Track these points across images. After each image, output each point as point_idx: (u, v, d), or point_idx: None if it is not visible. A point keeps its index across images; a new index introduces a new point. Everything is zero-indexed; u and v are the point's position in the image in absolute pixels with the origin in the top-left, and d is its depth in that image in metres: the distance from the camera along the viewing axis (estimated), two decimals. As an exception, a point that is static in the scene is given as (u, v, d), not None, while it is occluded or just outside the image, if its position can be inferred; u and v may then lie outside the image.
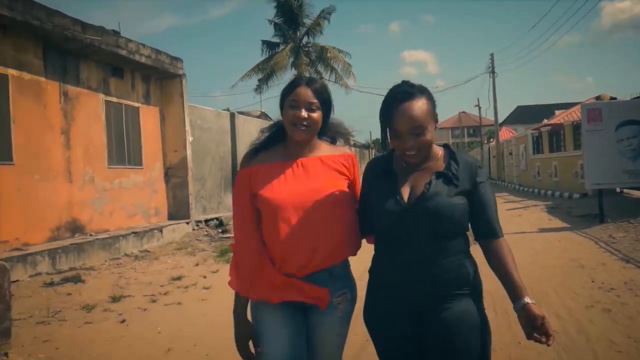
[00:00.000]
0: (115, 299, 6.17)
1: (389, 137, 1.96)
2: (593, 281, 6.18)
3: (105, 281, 7.26)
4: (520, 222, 12.28)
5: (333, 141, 2.26)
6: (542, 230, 10.75)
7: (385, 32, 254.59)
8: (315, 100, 2.06)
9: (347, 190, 2.14)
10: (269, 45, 27.45)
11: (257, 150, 2.17)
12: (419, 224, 1.92)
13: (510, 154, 29.67)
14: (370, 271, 2.11)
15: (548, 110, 45.95)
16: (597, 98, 15.54)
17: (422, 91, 1.93)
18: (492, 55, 33.50)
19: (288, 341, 2.04)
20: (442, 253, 1.92)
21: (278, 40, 27.73)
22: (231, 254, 2.21)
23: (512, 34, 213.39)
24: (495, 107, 33.76)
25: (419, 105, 1.89)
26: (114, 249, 9.07)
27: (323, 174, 2.13)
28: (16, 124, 7.87)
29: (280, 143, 2.16)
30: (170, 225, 11.12)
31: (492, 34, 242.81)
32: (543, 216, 13.22)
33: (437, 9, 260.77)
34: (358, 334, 2.75)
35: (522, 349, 4.01)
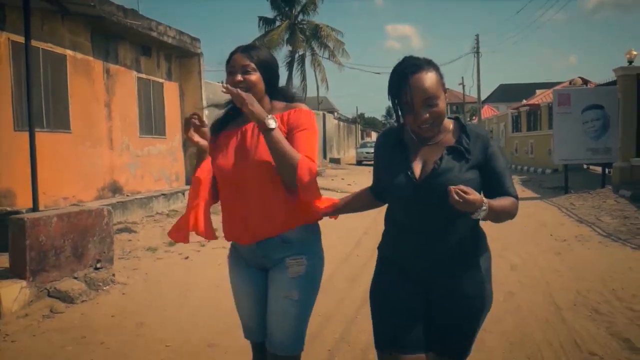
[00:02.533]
0: (171, 244, 7.64)
1: (401, 112, 1.94)
2: (551, 235, 7.83)
3: (153, 232, 8.71)
4: (497, 192, 13.94)
5: (288, 101, 2.22)
6: (516, 199, 12.42)
7: (369, 5, 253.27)
8: (249, 62, 2.10)
9: None
10: (265, 21, 28.56)
11: (218, 122, 2.27)
12: (430, 201, 1.90)
13: (491, 131, 31.39)
14: (380, 247, 2.16)
15: (529, 89, 47.00)
16: (571, 82, 17.15)
17: (429, 62, 1.93)
18: (477, 36, 35.03)
19: (252, 305, 2.24)
20: (451, 229, 1.93)
21: (274, 17, 28.87)
22: None
23: (497, 11, 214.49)
24: (478, 87, 35.45)
25: (430, 75, 1.87)
26: (148, 208, 10.49)
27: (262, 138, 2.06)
28: (72, 98, 9.17)
29: (241, 114, 2.13)
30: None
31: (476, 9, 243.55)
32: (517, 188, 14.87)
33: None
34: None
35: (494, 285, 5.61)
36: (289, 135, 2.07)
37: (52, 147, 8.62)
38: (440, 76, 1.93)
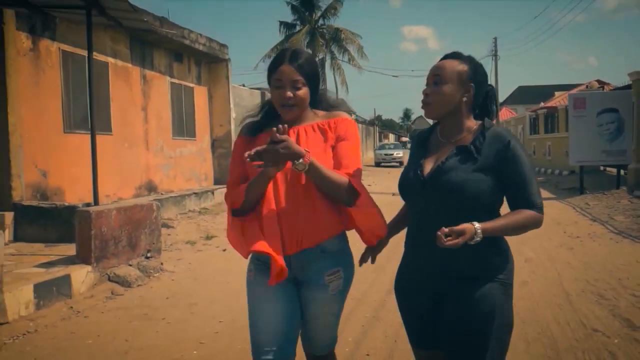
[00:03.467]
0: (208, 237, 8.24)
1: None
2: (565, 232, 8.27)
3: (189, 228, 9.32)
4: (514, 193, 14.38)
5: (329, 109, 2.18)
6: (532, 199, 12.84)
7: (385, 7, 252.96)
8: (299, 78, 2.01)
9: None
10: (286, 25, 29.22)
11: (255, 124, 2.16)
12: (433, 199, 1.92)
13: (509, 133, 31.58)
14: (405, 240, 2.13)
15: (548, 91, 46.75)
16: (587, 86, 17.48)
17: (466, 58, 2.00)
18: (495, 39, 35.29)
19: (278, 317, 2.02)
20: None
21: (294, 22, 29.51)
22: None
23: (515, 13, 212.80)
24: (496, 90, 35.57)
25: (452, 62, 1.96)
26: (181, 206, 11.11)
27: (314, 143, 2.04)
28: (113, 102, 9.82)
29: (276, 118, 2.09)
30: (219, 188, 13.16)
31: (494, 11, 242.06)
32: (534, 189, 15.29)
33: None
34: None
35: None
36: (335, 145, 2.07)
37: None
38: (469, 71, 1.96)
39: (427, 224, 1.92)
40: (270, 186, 1.99)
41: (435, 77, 1.94)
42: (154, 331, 4.28)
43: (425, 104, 1.98)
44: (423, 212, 1.96)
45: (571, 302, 4.74)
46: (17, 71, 7.34)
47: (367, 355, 3.72)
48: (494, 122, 2.04)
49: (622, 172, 13.11)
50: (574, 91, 17.71)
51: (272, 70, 2.04)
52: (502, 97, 47.72)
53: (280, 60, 2.04)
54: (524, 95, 60.89)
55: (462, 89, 1.94)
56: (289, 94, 2.00)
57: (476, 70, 1.97)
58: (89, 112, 9.10)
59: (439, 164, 1.94)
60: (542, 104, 26.82)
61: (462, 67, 1.95)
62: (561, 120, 20.68)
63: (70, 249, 6.01)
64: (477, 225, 1.77)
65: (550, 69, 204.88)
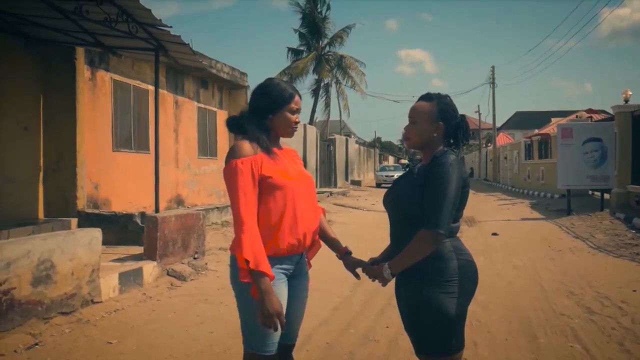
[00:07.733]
0: (238, 245, 9.39)
1: None
2: (549, 246, 9.45)
3: (217, 237, 10.47)
4: (508, 213, 15.60)
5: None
6: (524, 219, 14.07)
7: (381, 30, 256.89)
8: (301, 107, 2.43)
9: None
10: (294, 52, 30.66)
11: (264, 142, 2.33)
12: (389, 209, 2.36)
13: (505, 158, 32.95)
14: None
15: (545, 117, 47.35)
16: (577, 116, 18.82)
17: (432, 98, 2.31)
18: (492, 67, 36.83)
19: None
20: (403, 236, 2.21)
21: (302, 48, 30.97)
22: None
23: (512, 40, 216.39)
24: (493, 116, 37.10)
25: (422, 104, 2.30)
26: (206, 218, 12.27)
27: (298, 161, 2.50)
28: (151, 125, 11.05)
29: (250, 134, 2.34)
30: (237, 204, 14.36)
31: (491, 32, 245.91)
32: (526, 210, 16.52)
33: (436, 7, 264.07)
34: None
35: (498, 278, 7.26)
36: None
37: (137, 165, 10.50)
38: (436, 110, 2.28)
39: (391, 229, 2.39)
40: (300, 187, 2.35)
41: (411, 118, 2.32)
42: (218, 310, 5.44)
43: (405, 139, 2.39)
44: (389, 220, 2.39)
45: (546, 296, 5.92)
46: (83, 98, 8.58)
47: (376, 340, 4.88)
48: (464, 147, 2.51)
49: (606, 195, 14.33)
50: (565, 120, 19.01)
51: (290, 98, 2.37)
52: (499, 122, 49.01)
53: (296, 91, 2.42)
54: (522, 120, 61.94)
55: (432, 125, 2.27)
56: (299, 118, 2.45)
57: (443, 109, 2.28)
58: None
59: (395, 181, 2.47)
60: (536, 131, 28.15)
61: (430, 108, 2.28)
62: (553, 147, 21.93)
63: (129, 250, 7.18)
64: (386, 264, 2.25)
65: (547, 95, 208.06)
